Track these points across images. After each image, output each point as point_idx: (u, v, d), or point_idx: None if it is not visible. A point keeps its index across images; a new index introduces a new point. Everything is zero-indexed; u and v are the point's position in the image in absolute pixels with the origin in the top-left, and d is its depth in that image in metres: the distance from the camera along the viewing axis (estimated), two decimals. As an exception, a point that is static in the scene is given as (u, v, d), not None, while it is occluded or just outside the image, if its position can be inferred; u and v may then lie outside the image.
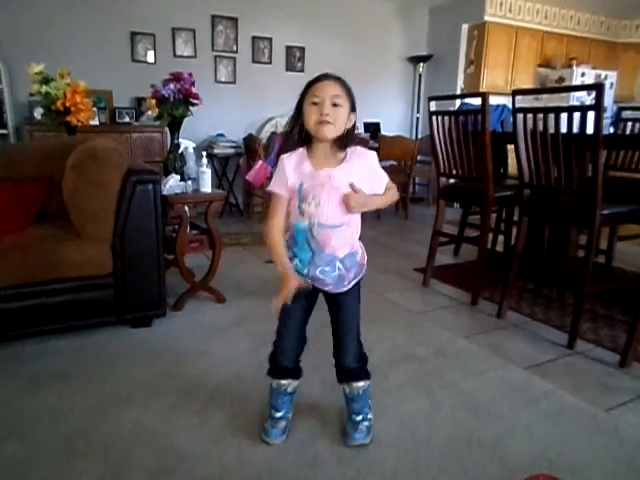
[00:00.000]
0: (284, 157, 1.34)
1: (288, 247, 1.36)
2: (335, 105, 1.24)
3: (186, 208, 2.46)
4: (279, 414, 1.51)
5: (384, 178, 1.35)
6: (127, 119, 4.61)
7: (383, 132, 5.59)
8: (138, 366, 1.91)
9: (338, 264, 1.33)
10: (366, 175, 1.31)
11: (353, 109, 1.29)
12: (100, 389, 1.74)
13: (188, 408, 1.64)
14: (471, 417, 1.62)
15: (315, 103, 1.25)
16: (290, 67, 5.51)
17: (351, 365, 1.45)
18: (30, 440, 1.47)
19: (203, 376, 1.84)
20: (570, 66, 5.87)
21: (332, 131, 1.25)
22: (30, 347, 2.02)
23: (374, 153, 1.34)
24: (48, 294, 2.01)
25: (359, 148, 1.33)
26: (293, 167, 1.31)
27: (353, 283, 1.38)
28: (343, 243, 1.32)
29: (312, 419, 1.58)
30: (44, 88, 2.58)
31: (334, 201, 1.28)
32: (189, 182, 2.50)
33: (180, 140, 2.63)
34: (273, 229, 1.34)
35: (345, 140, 1.30)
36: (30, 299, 1.98)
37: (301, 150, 1.32)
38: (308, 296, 1.40)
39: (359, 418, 1.48)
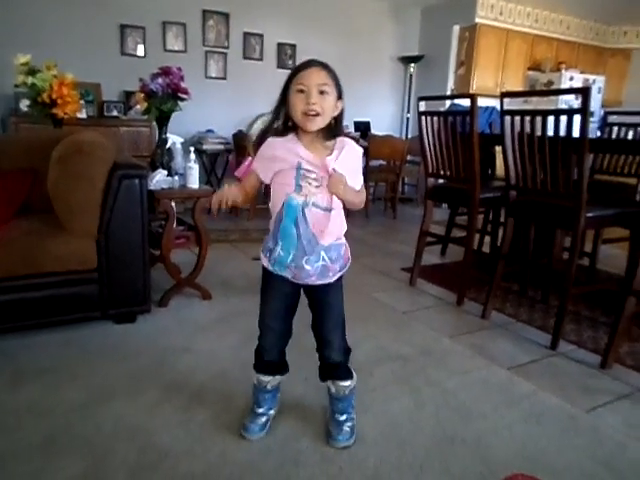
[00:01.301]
0: (272, 138, 1.30)
1: (270, 236, 1.33)
2: (322, 93, 1.22)
3: (173, 204, 2.44)
4: (260, 410, 1.50)
5: (361, 177, 1.34)
6: (115, 113, 4.57)
7: (373, 131, 5.60)
8: (122, 362, 1.89)
9: (323, 254, 1.30)
10: (350, 167, 1.28)
11: (340, 96, 1.27)
12: (83, 385, 1.72)
13: (172, 405, 1.63)
14: (454, 416, 1.63)
15: (301, 91, 1.22)
16: (281, 64, 5.50)
17: (336, 359, 1.43)
18: (11, 435, 1.45)
19: (188, 373, 1.83)
20: (559, 70, 5.94)
21: (319, 122, 1.24)
22: (13, 342, 1.99)
23: (361, 149, 1.33)
24: (31, 288, 1.99)
25: (349, 139, 1.31)
26: (284, 147, 1.27)
27: (337, 276, 1.36)
28: (330, 229, 1.29)
29: (295, 417, 1.58)
30: (30, 79, 2.54)
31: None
32: (176, 177, 2.48)
33: (168, 135, 2.61)
34: (243, 190, 1.34)
35: (334, 129, 1.29)
36: (12, 293, 1.96)
37: (291, 135, 1.29)
38: (288, 292, 1.38)
39: (343, 418, 1.48)
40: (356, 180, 1.31)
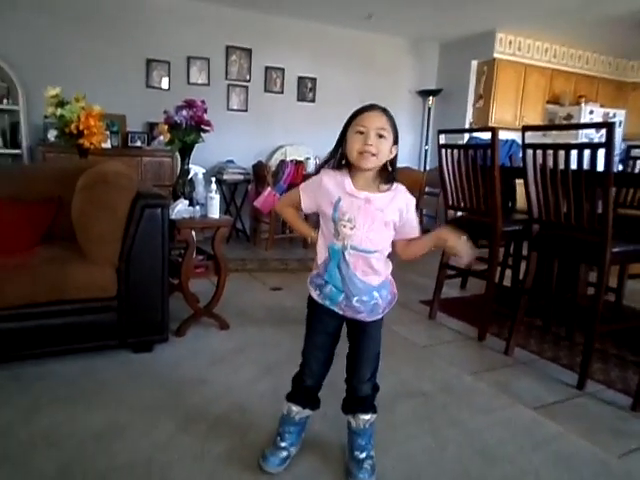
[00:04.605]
0: (325, 170, 1.34)
1: (318, 275, 1.36)
2: (380, 137, 1.25)
3: (193, 233, 2.46)
4: (283, 444, 1.47)
5: (418, 225, 1.35)
6: (139, 143, 4.68)
7: (391, 163, 5.61)
8: (138, 393, 1.87)
9: (376, 294, 1.33)
10: (403, 214, 1.31)
11: (396, 142, 1.30)
12: (99, 415, 1.70)
13: (188, 437, 1.60)
14: (478, 458, 1.57)
15: (360, 132, 1.25)
16: (301, 97, 5.60)
17: (365, 393, 1.43)
18: (25, 466, 1.43)
19: (204, 405, 1.80)
20: (578, 103, 5.93)
21: (373, 162, 1.26)
22: (30, 369, 1.99)
23: (414, 199, 1.35)
24: (50, 315, 1.99)
25: (403, 188, 1.33)
26: (333, 179, 1.30)
27: (386, 311, 1.39)
28: (374, 271, 1.32)
29: (313, 454, 1.53)
30: (59, 111, 2.62)
31: (370, 225, 1.27)
32: (197, 207, 2.50)
33: (190, 165, 2.65)
34: (285, 207, 1.45)
35: (390, 174, 1.31)
36: (32, 320, 1.97)
37: (344, 170, 1.31)
38: (335, 325, 1.41)
39: (363, 456, 1.44)
40: (414, 229, 1.34)
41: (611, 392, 2.07)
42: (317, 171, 1.37)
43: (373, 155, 1.24)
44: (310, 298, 1.41)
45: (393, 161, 1.31)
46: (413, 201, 1.34)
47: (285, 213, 1.46)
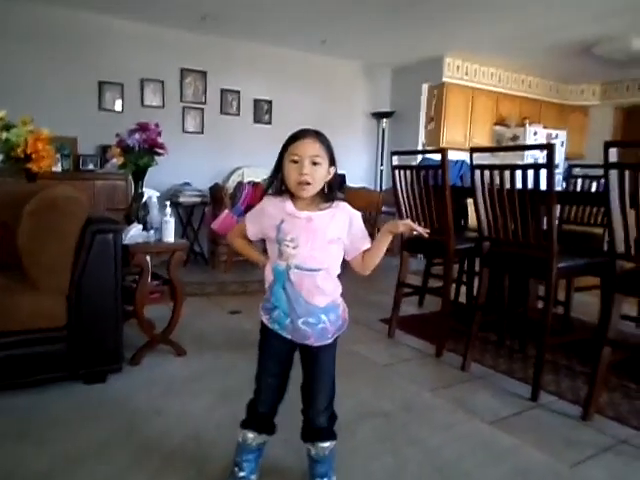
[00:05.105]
0: (267, 197, 1.36)
1: (266, 299, 1.37)
2: (314, 164, 1.27)
3: (148, 258, 2.41)
4: (242, 473, 1.44)
5: (367, 236, 1.37)
6: (91, 166, 4.57)
7: (348, 184, 5.70)
8: (90, 426, 1.79)
9: (323, 316, 1.33)
10: (347, 229, 1.32)
11: (332, 163, 1.32)
12: (49, 452, 1.62)
13: (141, 471, 1.53)
14: (437, 476, 1.58)
15: (295, 161, 1.27)
16: (258, 119, 5.63)
17: (322, 424, 1.41)
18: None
19: (159, 436, 1.74)
20: (523, 125, 6.23)
21: (310, 191, 1.28)
22: (-29, 407, 1.88)
23: (359, 213, 1.37)
24: (-6, 348, 1.89)
25: (345, 204, 1.35)
26: (274, 204, 1.32)
27: (335, 337, 1.38)
28: (319, 290, 1.31)
29: (274, 481, 1.51)
30: (4, 134, 2.52)
31: (313, 244, 1.28)
32: (152, 231, 2.45)
33: (144, 189, 2.60)
34: (234, 238, 1.45)
35: (329, 194, 1.33)
36: (-26, 354, 1.86)
37: (285, 195, 1.33)
38: (285, 349, 1.39)
39: (323, 482, 1.42)
40: (364, 240, 1.36)
41: (563, 402, 2.14)
42: (260, 198, 1.39)
43: (308, 184, 1.27)
44: (262, 323, 1.40)
45: (331, 182, 1.33)
46: (357, 214, 1.35)
47: (235, 243, 1.47)
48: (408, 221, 1.34)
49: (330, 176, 1.33)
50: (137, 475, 1.52)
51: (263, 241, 1.39)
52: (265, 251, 1.39)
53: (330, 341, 1.37)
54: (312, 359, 1.39)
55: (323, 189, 1.32)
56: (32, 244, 2.00)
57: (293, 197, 1.32)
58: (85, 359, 2.07)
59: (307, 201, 1.31)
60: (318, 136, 1.30)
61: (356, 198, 5.03)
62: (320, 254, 1.30)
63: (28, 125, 2.61)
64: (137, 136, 2.43)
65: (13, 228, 2.13)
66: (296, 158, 1.27)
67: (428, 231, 1.32)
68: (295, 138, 1.29)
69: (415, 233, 1.32)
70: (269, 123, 5.68)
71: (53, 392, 2.02)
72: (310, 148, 1.27)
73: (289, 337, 1.35)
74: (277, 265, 1.32)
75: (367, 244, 1.36)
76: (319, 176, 1.28)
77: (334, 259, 1.34)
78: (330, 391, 1.42)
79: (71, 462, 1.57)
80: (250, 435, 1.44)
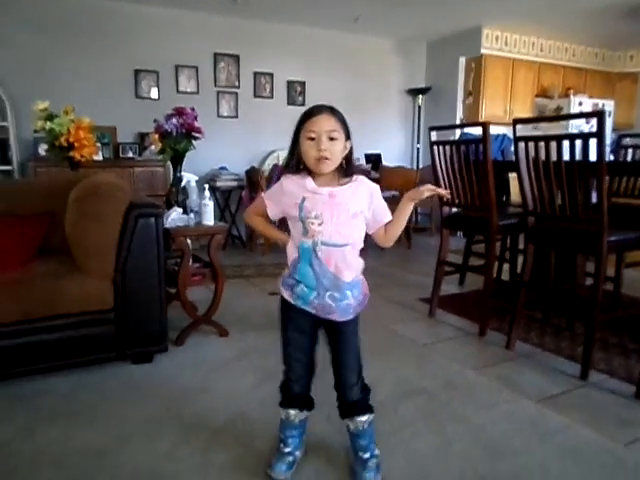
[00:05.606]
0: (285, 176, 1.35)
1: (289, 275, 1.36)
2: (332, 139, 1.26)
3: (188, 241, 2.45)
4: (287, 449, 1.46)
5: (387, 209, 1.37)
6: (130, 154, 4.66)
7: (384, 163, 5.62)
8: (139, 404, 1.86)
9: (348, 292, 1.33)
10: (369, 203, 1.32)
11: (348, 137, 1.31)
12: (100, 429, 1.68)
13: (190, 448, 1.58)
14: (483, 454, 1.56)
15: (312, 138, 1.26)
16: (291, 101, 5.60)
17: (354, 397, 1.41)
18: (26, 485, 1.41)
19: (205, 414, 1.79)
20: (567, 96, 5.94)
21: (330, 166, 1.28)
22: (27, 386, 1.97)
23: (377, 185, 1.36)
24: (47, 330, 1.97)
25: (364, 178, 1.35)
26: (294, 182, 1.32)
27: (357, 312, 1.38)
28: (347, 265, 1.31)
29: (319, 457, 1.52)
30: (48, 124, 2.60)
31: (337, 219, 1.28)
32: (191, 215, 2.49)
33: (183, 174, 2.64)
34: (252, 216, 1.45)
35: (347, 169, 1.33)
36: (28, 336, 1.94)
37: (303, 172, 1.32)
38: (310, 325, 1.39)
39: (367, 455, 1.42)
40: (385, 213, 1.35)
41: (614, 381, 2.07)
42: (278, 178, 1.38)
43: (327, 159, 1.26)
44: (282, 300, 1.40)
45: (348, 156, 1.32)
46: (376, 187, 1.35)
47: (254, 222, 1.46)
48: (428, 185, 1.33)
49: (347, 150, 1.32)
50: (187, 451, 1.56)
51: (279, 222, 1.38)
52: (281, 230, 1.38)
53: (352, 316, 1.37)
54: (337, 334, 1.39)
55: (341, 164, 1.31)
56: (77, 230, 2.07)
57: (312, 174, 1.31)
58: (132, 340, 2.13)
59: (327, 177, 1.31)
60: (333, 111, 1.29)
61: (393, 177, 4.97)
62: (345, 229, 1.29)
63: (70, 114, 2.69)
64: (174, 121, 2.46)
65: (60, 216, 2.20)
66: (313, 135, 1.26)
67: (449, 192, 1.30)
68: (310, 115, 1.28)
69: (439, 195, 1.33)
70: (303, 105, 5.63)
71: (103, 372, 2.10)
72: (326, 123, 1.26)
73: (313, 312, 1.35)
74: (303, 242, 1.31)
75: (389, 216, 1.35)
76: (337, 151, 1.27)
77: (358, 233, 1.34)
78: (357, 364, 1.42)
79: (122, 439, 1.63)
80: (292, 412, 1.46)
